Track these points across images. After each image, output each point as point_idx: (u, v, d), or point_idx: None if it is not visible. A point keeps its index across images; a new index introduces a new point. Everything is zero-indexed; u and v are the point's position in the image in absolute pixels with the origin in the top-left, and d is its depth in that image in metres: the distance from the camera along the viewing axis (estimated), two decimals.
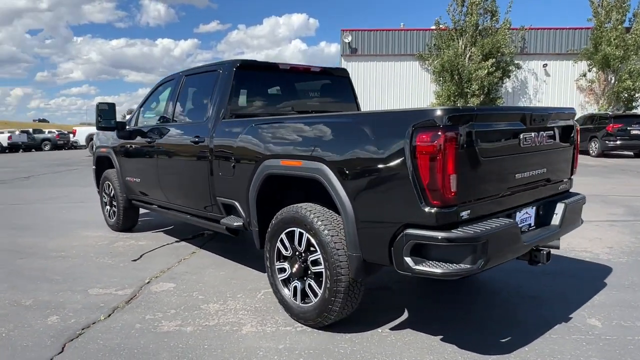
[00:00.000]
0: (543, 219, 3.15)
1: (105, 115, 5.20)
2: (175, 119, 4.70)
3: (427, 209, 2.39)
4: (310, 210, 3.01)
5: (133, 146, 5.35)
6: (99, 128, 5.27)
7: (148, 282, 4.15)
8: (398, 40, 26.11)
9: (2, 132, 32.82)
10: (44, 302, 3.68)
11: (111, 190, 6.00)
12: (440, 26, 25.23)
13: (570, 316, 3.30)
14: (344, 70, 4.99)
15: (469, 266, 2.40)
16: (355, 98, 5.00)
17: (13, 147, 32.12)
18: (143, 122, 5.38)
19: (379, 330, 3.11)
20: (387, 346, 2.89)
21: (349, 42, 25.75)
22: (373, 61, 26.17)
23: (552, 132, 3.04)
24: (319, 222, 2.91)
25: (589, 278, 4.12)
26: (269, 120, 3.51)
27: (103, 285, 4.07)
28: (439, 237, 2.36)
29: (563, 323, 3.19)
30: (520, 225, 2.93)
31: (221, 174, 3.86)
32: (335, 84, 4.89)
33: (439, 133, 2.32)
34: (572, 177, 3.52)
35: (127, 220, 6.01)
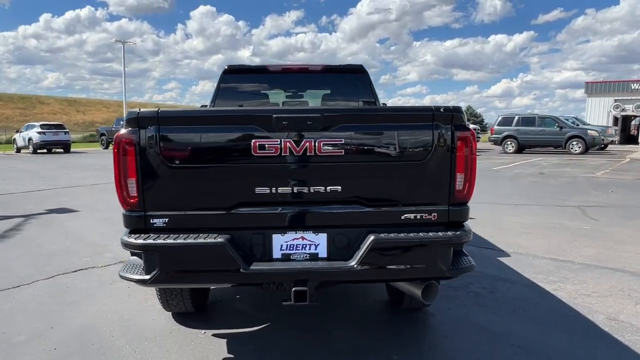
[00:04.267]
0: (345, 252, 2.39)
1: None
2: None
3: (123, 211, 2.43)
4: None
5: None
6: None
7: None
8: None
9: None
10: (104, 250, 5.20)
11: None
12: None
13: None
14: (359, 67, 4.58)
15: (143, 275, 2.31)
16: (374, 94, 4.54)
17: None
18: None
19: (202, 331, 3.13)
20: (175, 344, 2.95)
21: None
22: None
23: (342, 139, 2.27)
24: None
25: None
26: None
27: None
28: (121, 240, 2.38)
29: None
30: (289, 252, 2.40)
31: None
32: (347, 80, 4.59)
33: (119, 136, 2.33)
34: (457, 206, 2.43)
35: None
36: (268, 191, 2.33)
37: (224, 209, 2.36)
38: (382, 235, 2.32)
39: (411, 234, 2.34)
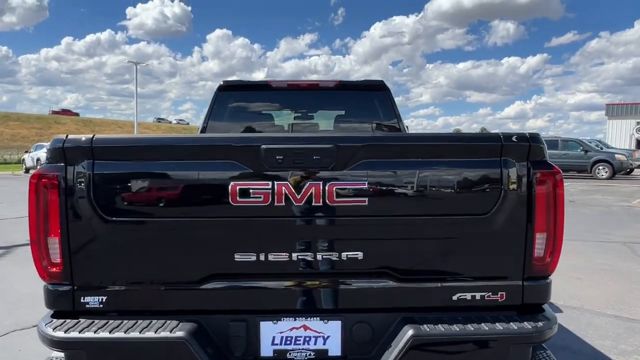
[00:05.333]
0: (369, 348, 1.60)
1: None
2: None
3: (43, 284, 1.68)
4: None
5: None
6: None
7: None
8: None
9: None
10: None
11: None
12: None
13: None
14: (379, 82, 3.85)
15: None
16: (398, 115, 3.79)
17: None
18: None
19: None
20: None
21: None
22: None
23: (365, 182, 1.52)
24: None
25: None
26: None
27: None
28: (37, 329, 1.63)
29: None
30: (284, 348, 1.62)
31: None
32: (365, 99, 3.86)
33: (36, 176, 1.59)
34: (535, 280, 1.64)
35: None
36: (254, 258, 1.57)
37: (188, 284, 1.60)
38: (424, 327, 1.53)
39: (469, 326, 1.55)
